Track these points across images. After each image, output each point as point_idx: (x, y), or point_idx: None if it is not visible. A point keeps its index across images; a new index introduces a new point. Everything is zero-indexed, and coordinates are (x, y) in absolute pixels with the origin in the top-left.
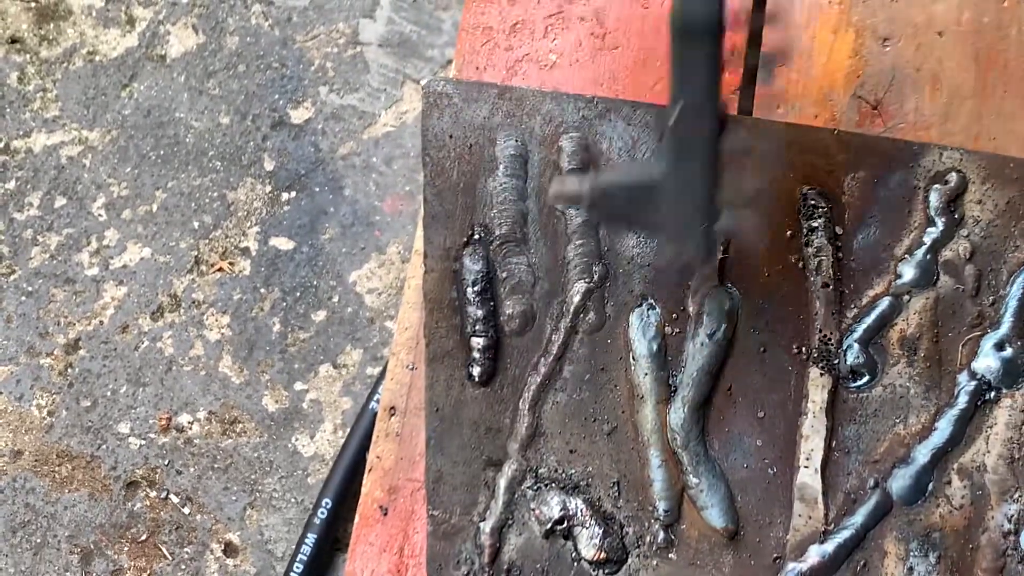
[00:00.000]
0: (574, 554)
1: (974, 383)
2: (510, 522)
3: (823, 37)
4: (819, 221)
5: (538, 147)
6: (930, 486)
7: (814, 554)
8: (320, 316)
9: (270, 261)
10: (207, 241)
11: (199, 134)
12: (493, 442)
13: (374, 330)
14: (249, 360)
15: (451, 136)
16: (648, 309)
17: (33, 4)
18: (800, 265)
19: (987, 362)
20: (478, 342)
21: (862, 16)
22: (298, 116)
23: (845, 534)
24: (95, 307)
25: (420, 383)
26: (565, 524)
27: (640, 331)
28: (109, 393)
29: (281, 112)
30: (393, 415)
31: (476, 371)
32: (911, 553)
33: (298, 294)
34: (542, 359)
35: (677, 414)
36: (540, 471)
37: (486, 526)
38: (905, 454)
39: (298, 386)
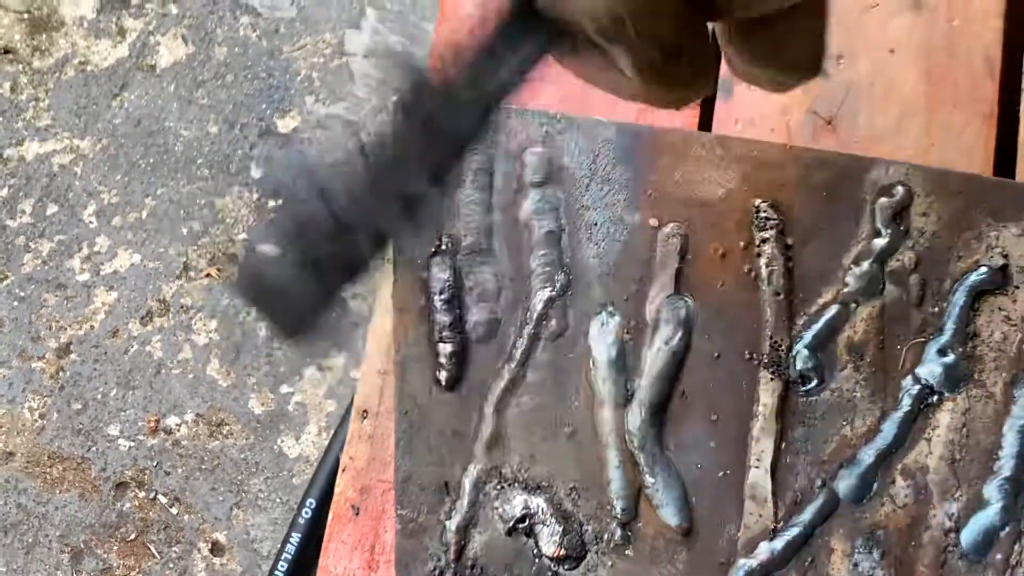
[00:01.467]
0: (535, 551)
1: (918, 387)
2: (475, 521)
3: None
4: (771, 233)
5: (503, 161)
6: (875, 486)
7: (764, 551)
8: None
9: None
10: (195, 248)
11: (188, 143)
12: (459, 444)
13: (358, 334)
14: (236, 364)
15: None
16: (608, 317)
17: (26, 15)
18: (752, 275)
19: (930, 367)
20: (445, 348)
21: None
22: (285, 125)
23: (794, 532)
24: (86, 312)
25: (391, 387)
26: (527, 522)
27: (600, 338)
28: (99, 396)
29: (268, 121)
30: (365, 417)
31: (443, 376)
32: (856, 550)
33: None
34: (506, 365)
35: (634, 417)
36: (503, 472)
37: (452, 524)
38: (851, 455)
39: (284, 389)
